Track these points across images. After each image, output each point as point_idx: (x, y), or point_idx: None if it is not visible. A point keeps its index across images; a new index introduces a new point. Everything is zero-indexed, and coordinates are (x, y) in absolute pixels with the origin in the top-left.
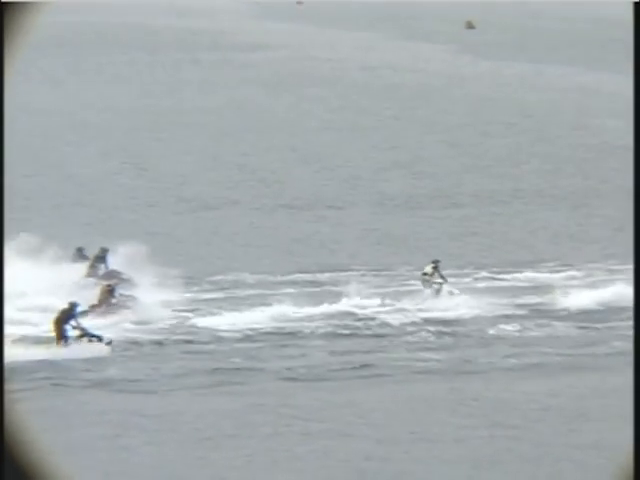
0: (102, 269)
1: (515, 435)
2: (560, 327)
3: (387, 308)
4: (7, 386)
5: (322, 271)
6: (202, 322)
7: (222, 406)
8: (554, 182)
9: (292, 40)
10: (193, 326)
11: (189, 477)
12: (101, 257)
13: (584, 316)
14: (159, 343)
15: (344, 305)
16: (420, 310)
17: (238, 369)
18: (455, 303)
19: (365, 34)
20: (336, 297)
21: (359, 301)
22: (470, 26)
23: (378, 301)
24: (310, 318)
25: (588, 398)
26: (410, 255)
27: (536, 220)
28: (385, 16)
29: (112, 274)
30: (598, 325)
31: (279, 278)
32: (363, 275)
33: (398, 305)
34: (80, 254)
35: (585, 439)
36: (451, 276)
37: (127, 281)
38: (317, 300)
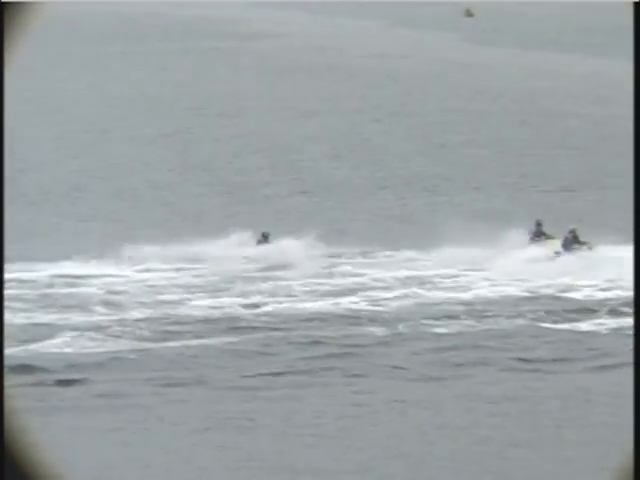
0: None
1: None
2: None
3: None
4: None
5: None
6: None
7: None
8: (562, 168)
9: (292, 29)
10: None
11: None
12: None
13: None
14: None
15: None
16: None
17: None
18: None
19: (364, 22)
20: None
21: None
22: (469, 14)
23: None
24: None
25: None
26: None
27: (543, 205)
28: (383, 3)
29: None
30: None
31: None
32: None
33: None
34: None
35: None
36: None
37: None
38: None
